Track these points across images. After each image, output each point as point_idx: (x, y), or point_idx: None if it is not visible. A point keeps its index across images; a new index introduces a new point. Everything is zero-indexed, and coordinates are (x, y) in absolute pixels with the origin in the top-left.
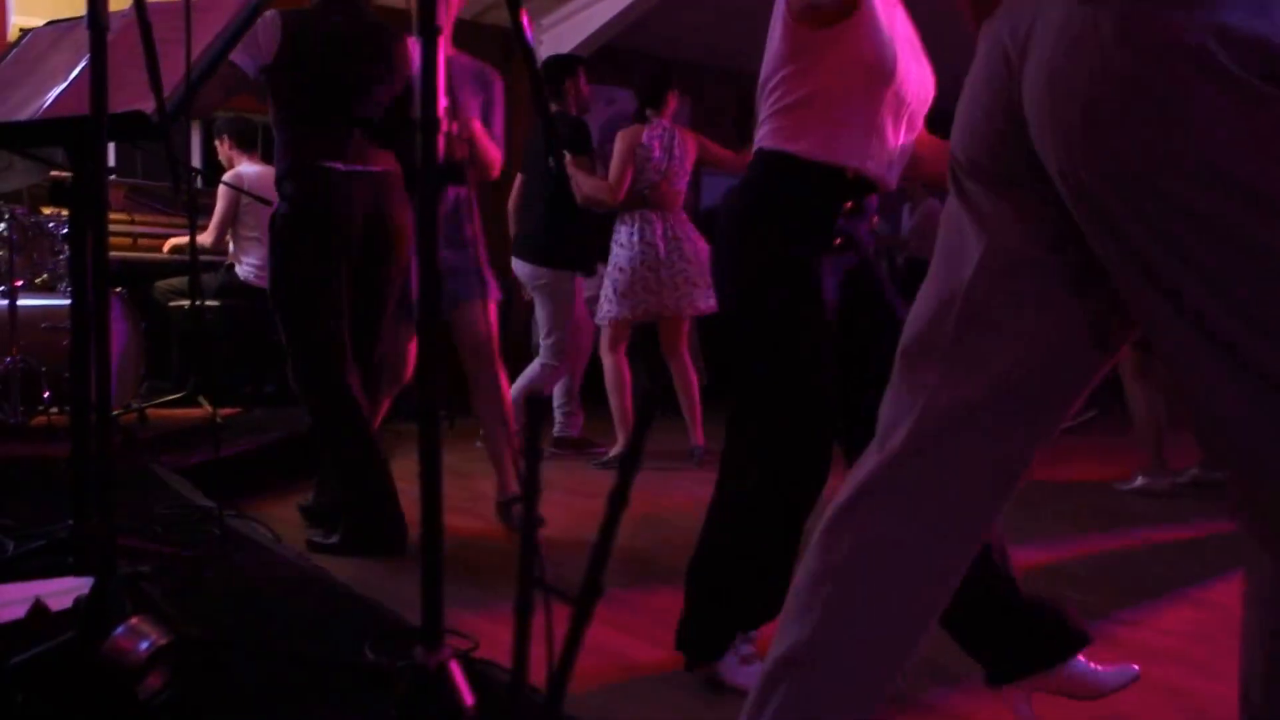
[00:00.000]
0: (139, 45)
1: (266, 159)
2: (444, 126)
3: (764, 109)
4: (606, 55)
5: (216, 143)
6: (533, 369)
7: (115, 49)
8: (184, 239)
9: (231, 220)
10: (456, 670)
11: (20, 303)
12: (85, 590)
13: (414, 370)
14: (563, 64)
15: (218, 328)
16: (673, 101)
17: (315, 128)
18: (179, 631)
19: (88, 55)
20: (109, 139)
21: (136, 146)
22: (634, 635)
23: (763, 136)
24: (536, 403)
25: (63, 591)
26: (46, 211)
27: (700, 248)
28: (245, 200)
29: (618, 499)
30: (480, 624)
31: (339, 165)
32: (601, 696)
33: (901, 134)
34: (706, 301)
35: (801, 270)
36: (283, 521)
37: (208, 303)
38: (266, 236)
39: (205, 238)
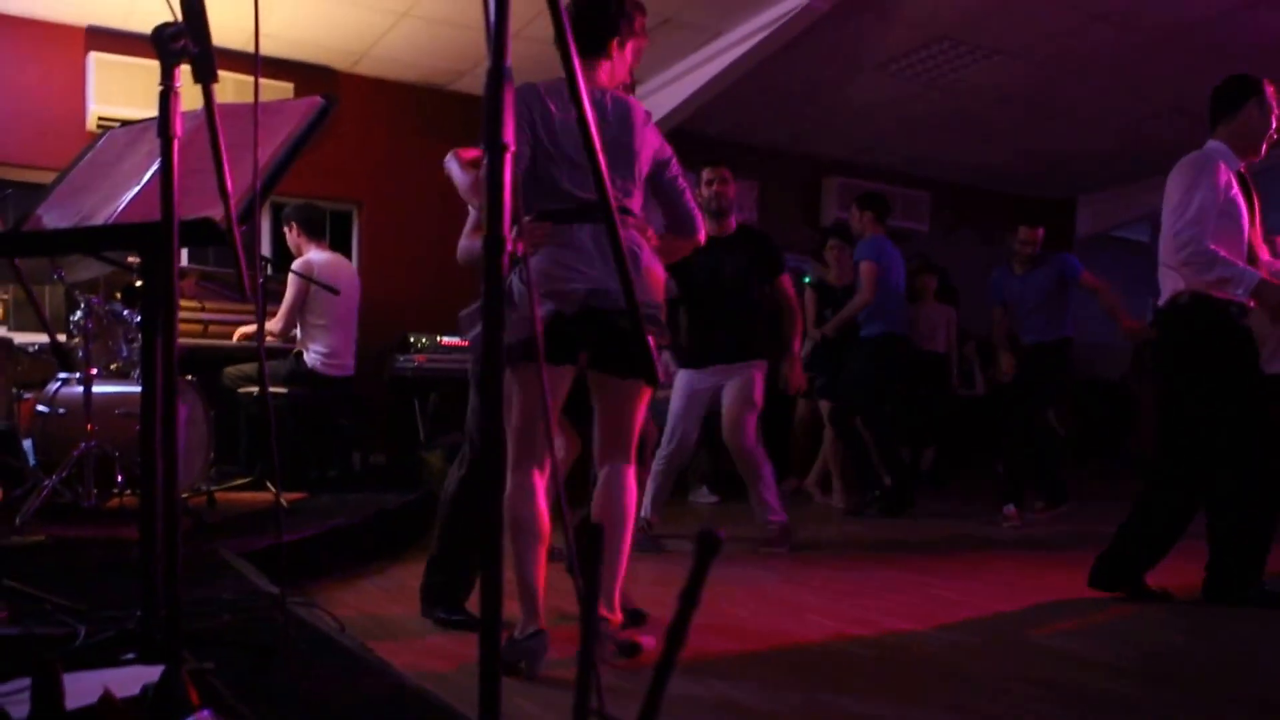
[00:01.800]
0: (209, 150)
1: (334, 246)
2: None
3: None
4: (674, 139)
5: (285, 230)
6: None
7: (186, 153)
8: (253, 328)
9: (300, 308)
10: None
11: (95, 389)
12: (153, 678)
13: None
14: None
15: (285, 414)
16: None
17: None
18: None
19: (159, 160)
20: (179, 244)
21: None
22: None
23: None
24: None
25: (131, 679)
26: (120, 298)
27: None
28: (313, 288)
29: (675, 637)
30: (540, 713)
31: None
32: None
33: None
34: None
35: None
36: (346, 607)
37: (275, 389)
38: (333, 324)
39: (274, 325)
